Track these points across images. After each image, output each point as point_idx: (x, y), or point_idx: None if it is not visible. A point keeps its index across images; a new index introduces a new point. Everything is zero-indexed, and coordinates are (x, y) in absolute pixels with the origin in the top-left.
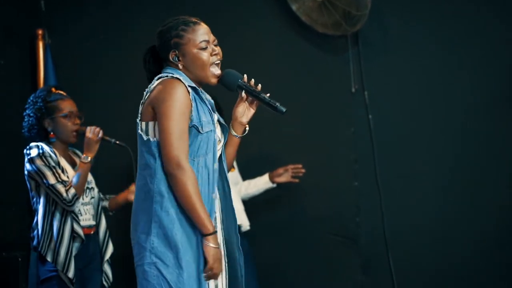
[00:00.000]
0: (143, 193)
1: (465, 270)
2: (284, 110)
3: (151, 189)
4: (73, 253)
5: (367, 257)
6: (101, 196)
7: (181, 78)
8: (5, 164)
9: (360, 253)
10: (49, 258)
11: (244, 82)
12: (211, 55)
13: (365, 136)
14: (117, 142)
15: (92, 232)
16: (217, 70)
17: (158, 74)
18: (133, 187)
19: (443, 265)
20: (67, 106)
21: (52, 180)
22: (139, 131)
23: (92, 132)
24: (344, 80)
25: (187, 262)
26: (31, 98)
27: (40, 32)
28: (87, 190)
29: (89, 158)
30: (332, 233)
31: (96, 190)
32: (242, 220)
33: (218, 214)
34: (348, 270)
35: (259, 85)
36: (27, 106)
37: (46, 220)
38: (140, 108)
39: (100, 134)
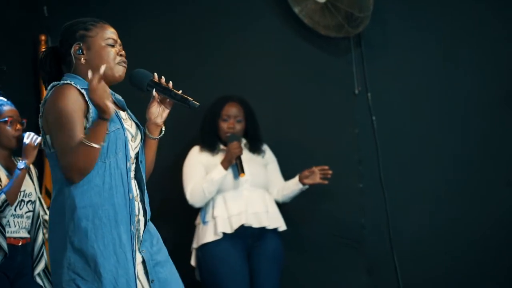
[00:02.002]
0: (55, 208)
1: (470, 271)
2: (197, 105)
3: (61, 203)
4: None
5: (372, 258)
6: (44, 210)
7: (72, 82)
8: None
9: (365, 254)
10: None
11: (155, 80)
12: (118, 54)
13: (368, 138)
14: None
15: (20, 243)
16: (122, 70)
17: (56, 78)
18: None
19: (449, 266)
20: (7, 111)
21: None
22: (43, 146)
23: (30, 138)
24: (347, 81)
25: (107, 272)
26: None
27: (42, 37)
28: (22, 203)
29: (24, 164)
30: (336, 235)
31: (37, 204)
32: (265, 221)
33: (141, 217)
34: (353, 271)
35: (170, 82)
36: None
37: None
38: (40, 122)
39: (38, 141)
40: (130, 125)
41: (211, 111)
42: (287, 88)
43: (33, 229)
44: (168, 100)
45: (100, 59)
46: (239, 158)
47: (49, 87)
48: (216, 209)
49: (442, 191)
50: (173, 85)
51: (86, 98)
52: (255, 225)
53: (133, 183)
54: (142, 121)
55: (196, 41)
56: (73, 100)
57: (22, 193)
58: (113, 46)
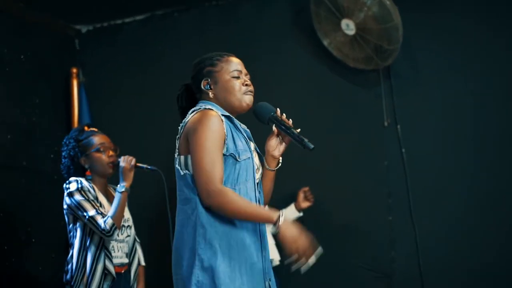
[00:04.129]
0: (185, 227)
1: None
2: (311, 146)
3: (193, 222)
4: None
5: None
6: (136, 238)
7: (213, 108)
8: (41, 204)
9: (395, 287)
10: None
11: (277, 115)
12: (243, 84)
13: (398, 170)
14: (148, 167)
15: (123, 271)
16: (249, 99)
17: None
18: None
19: None
20: (99, 140)
21: (91, 212)
22: (177, 165)
23: (125, 161)
24: (377, 114)
25: None
26: (65, 140)
27: (74, 70)
28: (123, 228)
29: (125, 187)
30: (366, 268)
31: (133, 229)
32: (273, 254)
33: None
34: None
35: (290, 120)
36: (62, 148)
37: (80, 255)
38: (177, 143)
39: (133, 162)
40: (255, 156)
41: None
42: (316, 120)
43: (130, 254)
44: (287, 136)
45: (227, 92)
46: None
47: (189, 112)
48: None
49: (473, 225)
50: (292, 123)
51: (225, 124)
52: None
53: None
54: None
55: None
56: (216, 127)
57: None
58: (238, 77)
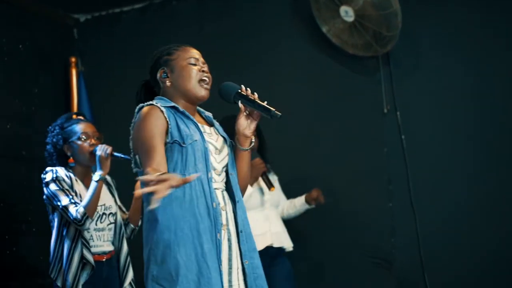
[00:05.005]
0: (144, 223)
1: None
2: (279, 115)
3: (147, 217)
4: (82, 280)
5: (403, 278)
6: (123, 221)
7: (154, 102)
8: (41, 193)
9: (396, 274)
10: (58, 283)
11: (241, 92)
12: (200, 71)
13: (398, 157)
14: (124, 156)
15: (104, 259)
16: (205, 92)
17: None
18: (137, 185)
19: (481, 286)
20: (82, 128)
21: (64, 201)
22: (133, 166)
23: (101, 149)
24: (376, 100)
25: (190, 282)
26: (50, 127)
27: (73, 59)
28: (104, 216)
29: (99, 176)
30: (367, 255)
31: (118, 216)
32: (285, 241)
33: (231, 227)
34: None
35: (255, 93)
36: (47, 135)
37: (57, 245)
38: (130, 144)
39: (108, 151)
40: (215, 139)
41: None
42: (316, 108)
43: (117, 240)
44: (255, 112)
45: (183, 79)
46: (265, 174)
47: (136, 110)
48: None
49: (473, 210)
50: (258, 96)
51: (166, 115)
52: (276, 244)
53: (220, 193)
54: None
55: (224, 61)
56: (154, 123)
57: (102, 206)
58: (195, 64)
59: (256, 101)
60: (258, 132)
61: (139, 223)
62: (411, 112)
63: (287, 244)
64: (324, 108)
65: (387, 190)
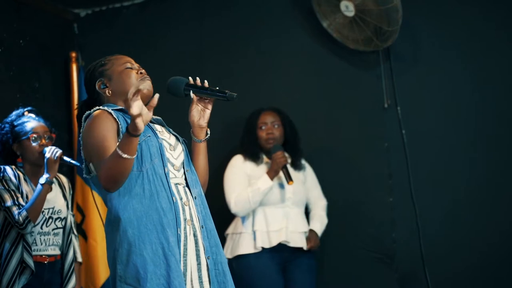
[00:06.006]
0: (106, 225)
1: (504, 285)
2: (234, 95)
3: (109, 219)
4: (20, 283)
5: (403, 273)
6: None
7: (101, 107)
8: None
9: (396, 268)
10: None
11: (190, 83)
12: (137, 73)
13: (399, 151)
14: (73, 161)
15: (47, 261)
16: (148, 84)
17: None
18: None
19: (482, 281)
20: (32, 127)
21: (8, 202)
22: (85, 174)
23: (50, 152)
24: (377, 95)
25: (159, 277)
26: (0, 124)
27: (73, 54)
28: (50, 220)
29: (45, 179)
30: (368, 249)
31: (68, 221)
32: (302, 242)
33: (196, 222)
34: (384, 286)
35: (206, 81)
36: None
37: None
38: (82, 154)
39: (58, 154)
40: (168, 137)
41: (248, 123)
42: (316, 102)
43: (64, 246)
44: (207, 100)
45: (123, 83)
46: (285, 167)
47: (83, 119)
48: (256, 222)
49: (474, 205)
50: (208, 84)
51: (115, 116)
52: (292, 244)
53: (182, 189)
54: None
55: (225, 55)
56: (103, 126)
57: (50, 210)
58: (131, 68)
59: (209, 87)
60: (285, 122)
61: None
62: (411, 107)
63: (303, 244)
64: (325, 102)
65: (387, 185)
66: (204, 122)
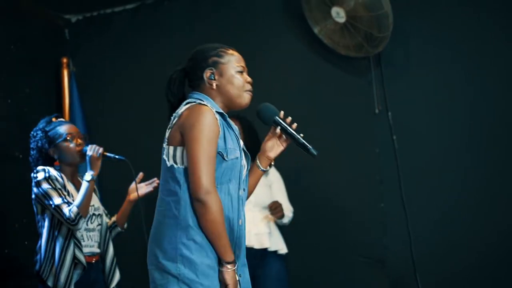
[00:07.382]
0: (166, 218)
1: None
2: (315, 153)
3: (175, 216)
4: (74, 280)
5: (394, 279)
6: (110, 223)
7: (208, 104)
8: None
9: (387, 274)
10: (50, 283)
11: (281, 118)
12: (246, 81)
13: (389, 157)
14: (116, 156)
15: (93, 261)
16: (248, 98)
17: (179, 99)
18: (132, 188)
19: (472, 286)
20: (65, 129)
21: (57, 201)
22: (164, 156)
23: (92, 150)
24: (368, 101)
25: (215, 286)
26: (32, 132)
27: (64, 60)
28: (93, 217)
29: (91, 176)
30: (359, 255)
31: (104, 217)
32: (268, 242)
33: (243, 241)
34: None
35: (295, 123)
36: (30, 140)
37: (49, 245)
38: (167, 133)
39: (100, 151)
40: (244, 155)
41: None
42: (307, 108)
43: (103, 242)
44: (285, 138)
45: (231, 86)
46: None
47: (183, 104)
48: None
49: (464, 210)
50: (296, 127)
51: (219, 122)
52: (257, 246)
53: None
54: None
55: None
56: (212, 126)
57: (92, 207)
58: (242, 73)
59: (295, 135)
60: (246, 131)
61: (125, 226)
62: (402, 113)
63: (274, 246)
64: (316, 108)
65: (378, 190)
66: (273, 155)
